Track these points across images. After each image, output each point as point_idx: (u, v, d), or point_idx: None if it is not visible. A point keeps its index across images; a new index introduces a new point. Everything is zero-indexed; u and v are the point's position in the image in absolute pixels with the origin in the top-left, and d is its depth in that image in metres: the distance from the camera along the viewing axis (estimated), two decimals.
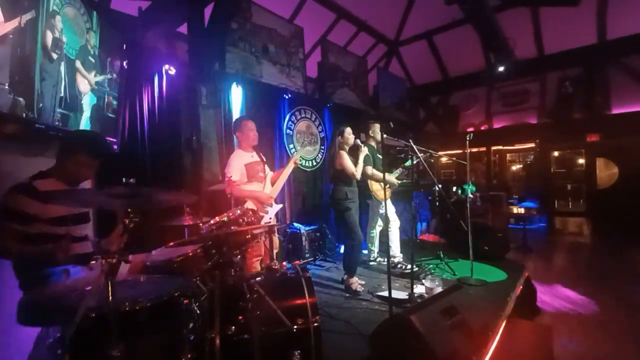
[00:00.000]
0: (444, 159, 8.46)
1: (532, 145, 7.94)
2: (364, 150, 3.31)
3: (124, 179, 1.14)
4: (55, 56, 2.18)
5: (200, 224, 2.57)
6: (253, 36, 4.41)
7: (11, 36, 1.87)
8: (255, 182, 2.97)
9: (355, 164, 3.25)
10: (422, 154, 3.35)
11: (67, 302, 1.31)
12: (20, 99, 1.95)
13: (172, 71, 3.48)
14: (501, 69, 5.88)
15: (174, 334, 1.44)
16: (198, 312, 1.72)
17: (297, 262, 3.75)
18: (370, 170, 3.64)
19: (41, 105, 2.10)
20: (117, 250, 1.11)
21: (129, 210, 1.19)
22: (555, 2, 3.77)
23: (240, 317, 1.66)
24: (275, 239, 3.15)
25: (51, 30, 2.14)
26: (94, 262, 1.23)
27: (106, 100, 2.77)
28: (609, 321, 2.85)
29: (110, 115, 2.84)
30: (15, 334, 2.07)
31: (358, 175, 3.24)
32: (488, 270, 3.54)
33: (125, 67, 2.99)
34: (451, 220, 5.25)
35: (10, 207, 1.49)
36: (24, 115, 1.99)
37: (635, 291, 3.55)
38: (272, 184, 3.11)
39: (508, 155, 8.76)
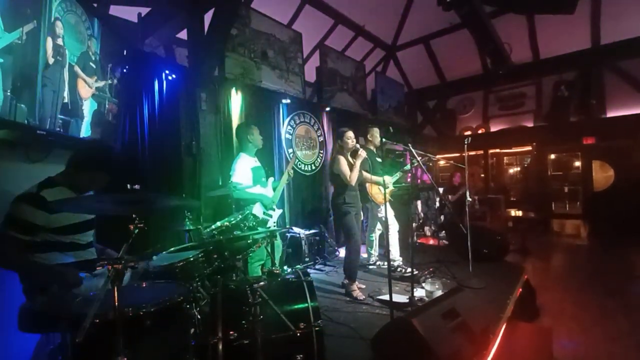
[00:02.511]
0: (441, 162, 8.50)
1: (529, 148, 8.00)
2: (362, 155, 3.23)
3: (129, 185, 1.14)
4: (57, 63, 2.20)
5: (202, 229, 2.57)
6: (252, 42, 4.44)
7: (14, 43, 1.88)
8: (259, 186, 2.99)
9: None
10: (420, 158, 3.37)
11: (70, 308, 1.31)
12: (22, 105, 1.96)
13: (172, 76, 3.49)
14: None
15: (178, 339, 1.44)
16: (199, 317, 1.73)
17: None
18: (364, 173, 3.62)
19: (42, 111, 2.11)
20: (122, 256, 1.12)
21: (134, 216, 1.19)
22: (551, 10, 3.82)
23: (242, 322, 1.66)
24: (278, 243, 3.15)
25: (53, 37, 2.16)
26: (99, 269, 1.23)
27: (107, 105, 2.79)
28: (608, 322, 2.86)
29: (110, 120, 2.85)
30: (16, 341, 2.07)
31: (353, 182, 3.16)
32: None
33: (126, 72, 3.01)
34: (449, 223, 5.29)
35: (18, 217, 1.48)
36: (26, 121, 2.00)
37: (633, 292, 3.57)
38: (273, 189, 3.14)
39: (505, 158, 8.82)
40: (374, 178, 3.68)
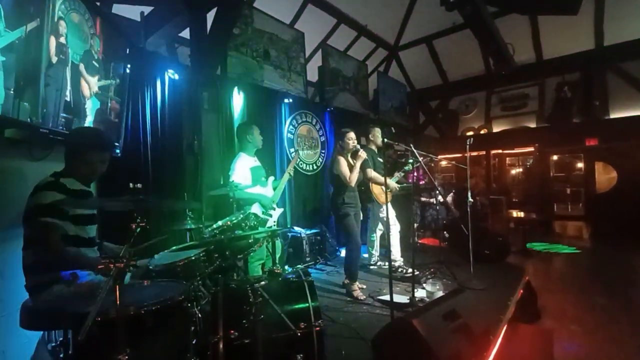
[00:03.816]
0: (443, 163, 8.49)
1: (532, 149, 7.98)
2: (362, 156, 3.22)
3: (130, 184, 1.15)
4: (60, 61, 2.20)
5: (203, 228, 2.58)
6: (254, 41, 4.44)
7: (17, 42, 1.89)
8: (258, 185, 3.00)
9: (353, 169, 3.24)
10: (422, 158, 3.36)
11: (73, 306, 1.32)
12: (25, 103, 1.97)
13: (175, 76, 3.50)
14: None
15: (179, 338, 1.45)
16: (200, 316, 1.73)
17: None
18: (369, 173, 3.61)
19: (45, 110, 2.11)
20: (125, 254, 1.12)
21: (136, 214, 1.20)
22: (555, 11, 3.81)
23: (243, 321, 1.67)
24: (277, 242, 3.16)
25: (56, 36, 2.16)
26: (101, 267, 1.23)
27: (109, 104, 2.79)
28: (609, 325, 2.85)
29: (113, 119, 2.85)
30: (17, 338, 2.08)
31: (352, 182, 3.17)
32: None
33: (128, 71, 3.01)
34: (451, 224, 5.28)
35: (48, 203, 1.48)
36: (29, 119, 2.00)
37: (635, 295, 3.56)
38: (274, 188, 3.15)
39: (507, 159, 8.80)
40: (376, 177, 3.67)
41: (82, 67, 2.43)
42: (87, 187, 1.77)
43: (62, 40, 2.22)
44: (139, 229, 1.19)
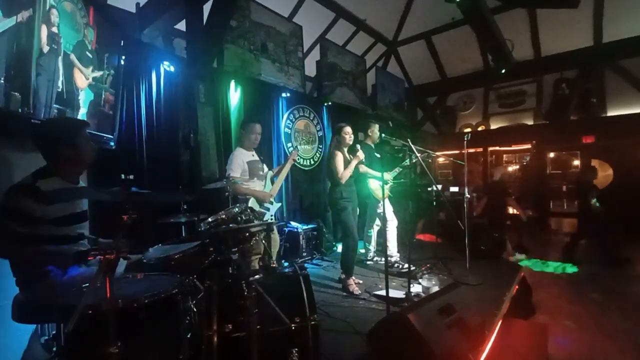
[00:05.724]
0: (440, 159, 8.49)
1: (529, 146, 8.00)
2: (360, 157, 3.18)
3: (122, 176, 1.12)
4: (51, 51, 2.16)
5: (198, 222, 2.56)
6: (252, 34, 4.38)
7: (8, 30, 1.84)
8: (256, 179, 2.98)
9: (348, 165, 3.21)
10: (420, 154, 3.35)
11: (64, 299, 1.30)
12: (16, 93, 1.93)
13: (170, 68, 3.45)
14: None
15: (172, 331, 1.43)
16: (195, 310, 1.72)
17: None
18: (362, 168, 3.58)
19: (37, 100, 2.08)
20: (115, 246, 1.10)
21: (127, 207, 1.17)
22: (556, 4, 3.79)
23: (238, 315, 1.65)
24: (275, 237, 3.14)
25: (48, 25, 2.12)
26: (91, 259, 1.20)
27: (103, 96, 2.75)
28: (604, 321, 2.87)
29: (107, 111, 2.81)
30: (10, 331, 2.06)
31: (343, 180, 3.14)
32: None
33: (123, 63, 2.97)
34: (447, 220, 5.29)
35: (13, 208, 1.44)
36: (20, 110, 1.97)
37: (629, 290, 3.58)
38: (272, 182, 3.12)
39: (504, 156, 8.82)
40: (370, 172, 3.65)
41: (75, 57, 2.39)
42: (73, 184, 1.69)
43: (54, 29, 2.17)
44: (130, 222, 1.17)
